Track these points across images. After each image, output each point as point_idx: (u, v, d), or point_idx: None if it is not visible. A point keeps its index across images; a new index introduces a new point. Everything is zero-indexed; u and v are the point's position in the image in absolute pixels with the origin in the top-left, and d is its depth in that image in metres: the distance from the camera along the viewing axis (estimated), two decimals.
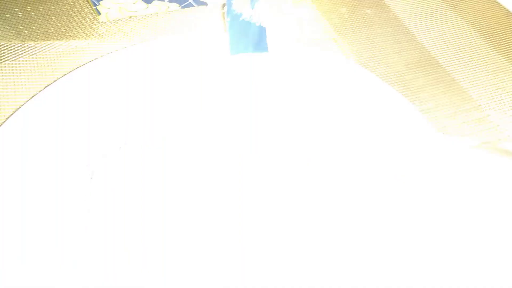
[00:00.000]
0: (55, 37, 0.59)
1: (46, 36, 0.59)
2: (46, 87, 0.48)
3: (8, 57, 0.56)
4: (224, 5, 0.57)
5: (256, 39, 0.53)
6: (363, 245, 0.37)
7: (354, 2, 0.67)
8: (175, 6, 0.62)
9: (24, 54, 0.57)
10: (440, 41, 0.62)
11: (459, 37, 0.63)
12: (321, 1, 0.66)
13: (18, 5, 0.62)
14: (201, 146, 0.43)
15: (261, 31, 0.53)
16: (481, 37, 0.63)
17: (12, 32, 0.59)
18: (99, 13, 0.60)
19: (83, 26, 0.60)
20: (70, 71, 0.50)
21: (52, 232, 0.37)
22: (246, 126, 0.48)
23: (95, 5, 0.57)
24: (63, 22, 0.61)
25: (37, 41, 0.58)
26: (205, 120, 0.47)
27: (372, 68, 0.58)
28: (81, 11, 0.62)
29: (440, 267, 0.36)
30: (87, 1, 0.61)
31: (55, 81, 0.49)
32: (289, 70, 0.52)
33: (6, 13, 0.61)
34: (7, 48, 0.57)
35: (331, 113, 0.49)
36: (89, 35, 0.60)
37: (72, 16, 0.62)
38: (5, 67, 0.55)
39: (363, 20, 0.64)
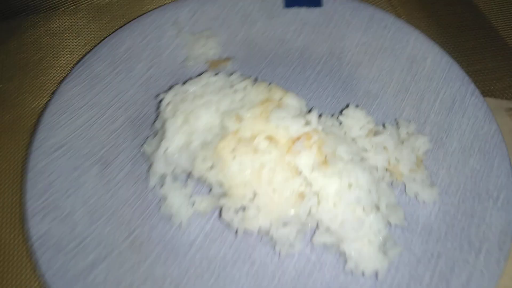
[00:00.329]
0: None
1: None
2: (120, 27, 0.54)
3: (84, 1, 0.63)
4: None
5: None
6: None
7: None
8: None
9: None
10: (496, 3, 0.61)
11: None
12: None
13: None
14: None
15: None
16: None
17: None
18: None
19: None
20: (138, 16, 0.56)
21: None
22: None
23: None
24: None
25: None
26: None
27: (424, 29, 0.59)
28: None
29: None
30: None
31: (126, 23, 0.54)
32: (341, 25, 0.54)
33: None
34: None
35: (376, 71, 0.51)
36: None
37: None
38: (80, 12, 0.62)
39: None
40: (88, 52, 0.51)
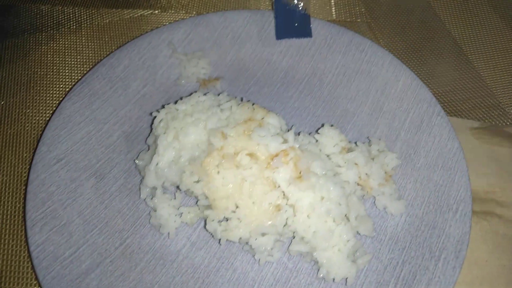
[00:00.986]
0: (123, 6, 0.68)
1: (116, 4, 0.69)
2: (119, 47, 0.58)
3: (85, 21, 0.67)
4: None
5: (300, 25, 0.59)
6: None
7: None
8: None
9: (98, 19, 0.67)
10: (468, 30, 0.65)
11: (488, 28, 0.66)
12: None
13: None
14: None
15: (305, 18, 0.59)
16: (510, 30, 0.65)
17: (89, 0, 0.69)
18: None
19: None
20: (136, 37, 0.60)
21: None
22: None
23: None
24: None
25: (108, 8, 0.68)
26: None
27: (399, 52, 0.63)
28: None
29: None
30: None
31: (124, 44, 0.58)
32: (323, 47, 0.59)
33: None
34: (85, 14, 0.67)
35: (354, 91, 0.55)
36: (153, 6, 0.69)
37: None
38: (82, 31, 0.66)
39: (398, 7, 0.69)
40: (88, 70, 0.56)
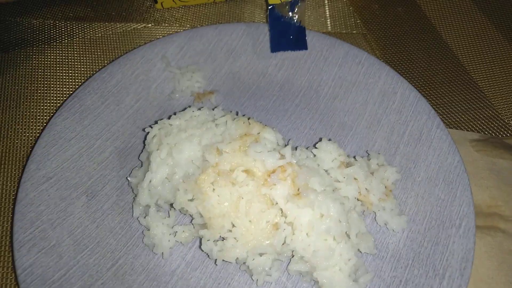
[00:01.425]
0: (116, 19, 0.68)
1: (109, 18, 0.68)
2: (112, 61, 0.57)
3: (77, 35, 0.66)
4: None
5: (295, 38, 0.59)
6: None
7: (388, 0, 0.71)
8: None
9: (90, 32, 0.66)
10: (465, 41, 0.65)
11: (484, 38, 0.66)
12: None
13: None
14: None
15: (301, 30, 0.59)
16: (506, 40, 0.65)
17: (81, 14, 0.68)
18: (156, 1, 0.68)
19: (141, 11, 0.69)
20: (129, 51, 0.59)
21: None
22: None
23: None
24: (124, 7, 0.70)
25: (101, 22, 0.68)
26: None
27: (396, 63, 0.63)
28: None
29: None
30: None
31: (116, 58, 0.57)
32: (318, 60, 0.58)
33: None
34: (77, 28, 0.66)
35: (351, 103, 0.54)
36: (146, 20, 0.68)
37: (131, 1, 0.70)
38: (74, 45, 0.65)
39: (393, 18, 0.69)
40: (80, 85, 0.54)
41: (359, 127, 0.53)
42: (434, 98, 0.59)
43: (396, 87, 0.53)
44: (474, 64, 0.62)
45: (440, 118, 0.50)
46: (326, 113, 0.54)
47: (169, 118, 0.48)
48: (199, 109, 0.49)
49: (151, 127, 0.48)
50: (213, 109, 0.49)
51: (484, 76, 0.61)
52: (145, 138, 0.48)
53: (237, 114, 0.52)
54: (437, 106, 0.58)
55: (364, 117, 0.53)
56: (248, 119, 0.47)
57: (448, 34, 0.66)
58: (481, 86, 0.60)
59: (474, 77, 0.61)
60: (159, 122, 0.48)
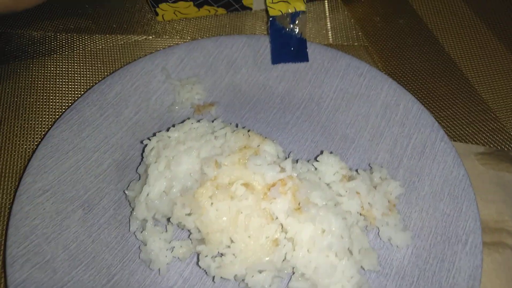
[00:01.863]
0: (118, 32, 0.68)
1: (110, 30, 0.68)
2: (112, 73, 0.56)
3: (78, 47, 0.66)
4: (267, 11, 0.63)
5: (296, 50, 0.58)
6: None
7: (388, 11, 0.71)
8: (222, 10, 0.69)
9: (91, 45, 0.66)
10: (467, 52, 0.65)
11: (487, 51, 0.65)
12: (356, 9, 0.71)
13: (88, 1, 0.72)
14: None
15: (302, 42, 0.59)
16: (510, 53, 0.65)
17: (83, 26, 0.68)
18: (157, 14, 0.68)
19: (142, 24, 0.69)
20: (129, 63, 0.59)
21: None
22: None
23: (154, 7, 0.65)
24: (125, 19, 0.70)
25: (102, 34, 0.68)
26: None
27: (398, 75, 0.62)
28: (141, 10, 0.71)
29: None
30: (147, 2, 0.69)
31: (116, 70, 0.57)
32: (320, 72, 0.57)
33: (78, 8, 0.71)
34: (78, 40, 0.66)
35: (353, 116, 0.54)
36: (147, 32, 0.68)
37: (133, 14, 0.71)
38: (74, 57, 0.65)
39: (395, 30, 0.68)
40: (79, 97, 0.54)
41: (361, 140, 0.52)
42: (437, 111, 0.58)
43: (398, 99, 0.53)
44: (478, 76, 0.62)
45: (444, 131, 0.49)
46: (327, 126, 0.54)
47: (167, 130, 0.48)
48: (198, 121, 0.48)
49: (149, 139, 0.47)
50: (212, 121, 0.48)
51: (488, 88, 0.60)
52: (143, 151, 0.47)
53: (236, 126, 0.51)
54: (441, 118, 0.57)
55: (366, 130, 0.52)
56: (248, 131, 0.46)
57: (451, 46, 0.66)
58: (485, 99, 0.59)
59: (478, 90, 0.60)
60: (157, 134, 0.47)
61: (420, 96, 0.60)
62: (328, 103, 0.55)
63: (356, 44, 0.66)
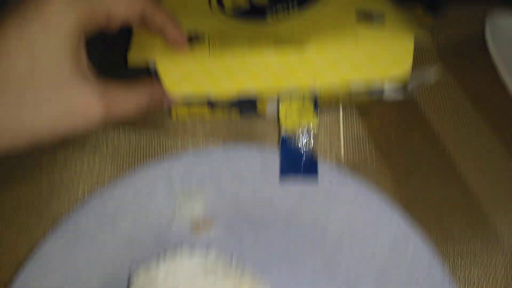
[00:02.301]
0: (128, 125, 0.69)
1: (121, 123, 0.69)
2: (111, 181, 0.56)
3: (87, 143, 0.67)
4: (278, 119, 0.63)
5: (307, 169, 0.56)
6: None
7: (404, 126, 0.69)
8: (236, 115, 0.69)
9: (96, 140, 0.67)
10: (489, 184, 0.60)
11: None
12: (371, 122, 0.70)
13: None
14: None
15: (312, 162, 0.56)
16: None
17: None
18: (170, 114, 0.69)
19: (155, 123, 0.70)
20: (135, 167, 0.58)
21: None
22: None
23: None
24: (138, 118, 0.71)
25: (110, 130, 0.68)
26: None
27: (409, 205, 0.58)
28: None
29: None
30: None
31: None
32: (327, 195, 0.55)
33: None
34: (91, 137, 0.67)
35: (359, 253, 0.50)
36: (158, 131, 0.68)
37: (146, 113, 0.71)
38: (91, 152, 0.65)
39: (410, 149, 0.65)
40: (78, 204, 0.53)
41: (367, 278, 0.48)
42: (451, 256, 0.53)
43: (408, 239, 0.49)
44: (500, 216, 0.57)
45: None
46: (330, 257, 0.51)
47: (158, 255, 0.46)
48: (193, 250, 0.46)
49: (136, 268, 0.45)
50: (205, 254, 0.46)
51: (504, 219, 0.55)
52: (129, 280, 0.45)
53: (231, 256, 0.49)
54: (456, 267, 0.52)
55: (373, 269, 0.48)
56: (242, 270, 0.44)
57: (470, 174, 0.61)
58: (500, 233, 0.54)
59: (499, 232, 0.55)
60: (145, 263, 0.45)
61: (433, 234, 0.54)
62: (333, 229, 0.53)
63: (368, 161, 0.64)
